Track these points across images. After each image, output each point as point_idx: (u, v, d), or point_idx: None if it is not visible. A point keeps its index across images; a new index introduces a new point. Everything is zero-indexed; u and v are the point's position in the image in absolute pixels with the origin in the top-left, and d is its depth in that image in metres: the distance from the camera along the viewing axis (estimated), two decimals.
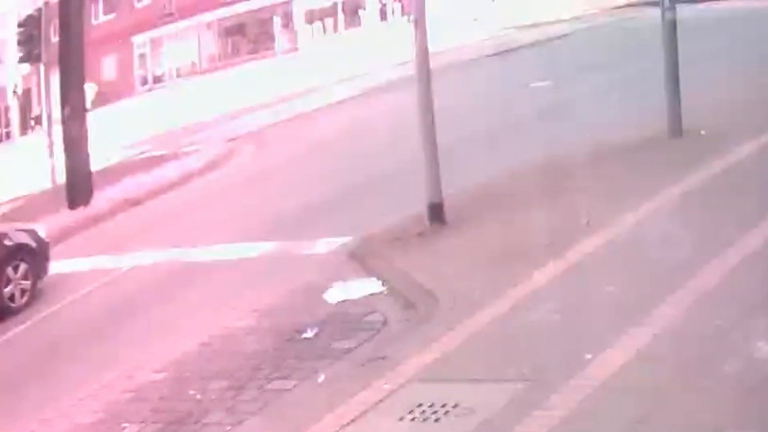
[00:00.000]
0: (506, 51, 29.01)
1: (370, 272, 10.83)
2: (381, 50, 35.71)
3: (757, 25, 21.58)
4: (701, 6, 26.78)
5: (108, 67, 52.67)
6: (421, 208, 11.66)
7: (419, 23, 11.69)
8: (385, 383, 7.49)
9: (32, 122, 46.35)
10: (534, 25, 34.03)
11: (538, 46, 28.80)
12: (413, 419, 6.87)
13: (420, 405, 7.01)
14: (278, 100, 29.45)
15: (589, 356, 7.13)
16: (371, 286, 10.39)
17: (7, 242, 13.50)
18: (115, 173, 21.44)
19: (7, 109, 48.60)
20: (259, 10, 53.90)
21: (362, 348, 8.81)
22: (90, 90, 29.69)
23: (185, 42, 55.36)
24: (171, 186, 19.80)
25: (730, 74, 16.75)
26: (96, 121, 23.27)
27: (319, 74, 33.69)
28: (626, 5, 33.90)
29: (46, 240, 14.15)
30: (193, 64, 55.59)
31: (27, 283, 13.45)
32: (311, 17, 54.17)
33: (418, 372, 7.63)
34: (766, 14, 23.25)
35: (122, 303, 12.42)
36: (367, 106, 24.83)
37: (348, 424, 7.01)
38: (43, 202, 20.09)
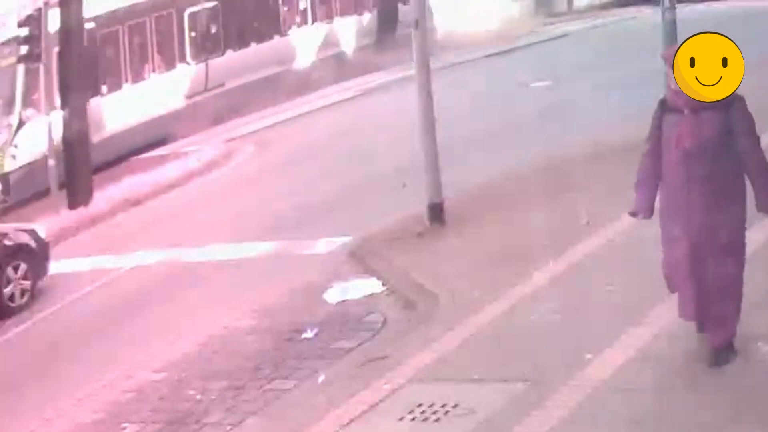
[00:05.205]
0: (507, 51, 28.98)
1: (370, 272, 10.83)
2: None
3: (757, 24, 21.57)
4: (701, 6, 26.77)
5: None
6: (421, 208, 11.66)
7: (419, 23, 11.69)
8: (385, 383, 7.50)
9: None
10: None
11: (538, 45, 28.76)
12: (413, 419, 6.87)
13: (420, 405, 7.01)
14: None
15: (589, 356, 7.14)
16: (371, 286, 10.40)
17: (7, 242, 13.48)
18: (115, 173, 21.40)
19: None
20: None
21: (362, 348, 8.82)
22: None
23: None
24: (171, 186, 19.75)
25: None
26: None
27: None
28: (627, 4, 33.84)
29: (46, 240, 14.13)
30: None
31: (27, 283, 13.42)
32: None
33: (418, 372, 7.63)
34: (766, 14, 23.24)
35: (122, 303, 12.40)
36: (366, 106, 24.78)
37: (348, 424, 7.02)
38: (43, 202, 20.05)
